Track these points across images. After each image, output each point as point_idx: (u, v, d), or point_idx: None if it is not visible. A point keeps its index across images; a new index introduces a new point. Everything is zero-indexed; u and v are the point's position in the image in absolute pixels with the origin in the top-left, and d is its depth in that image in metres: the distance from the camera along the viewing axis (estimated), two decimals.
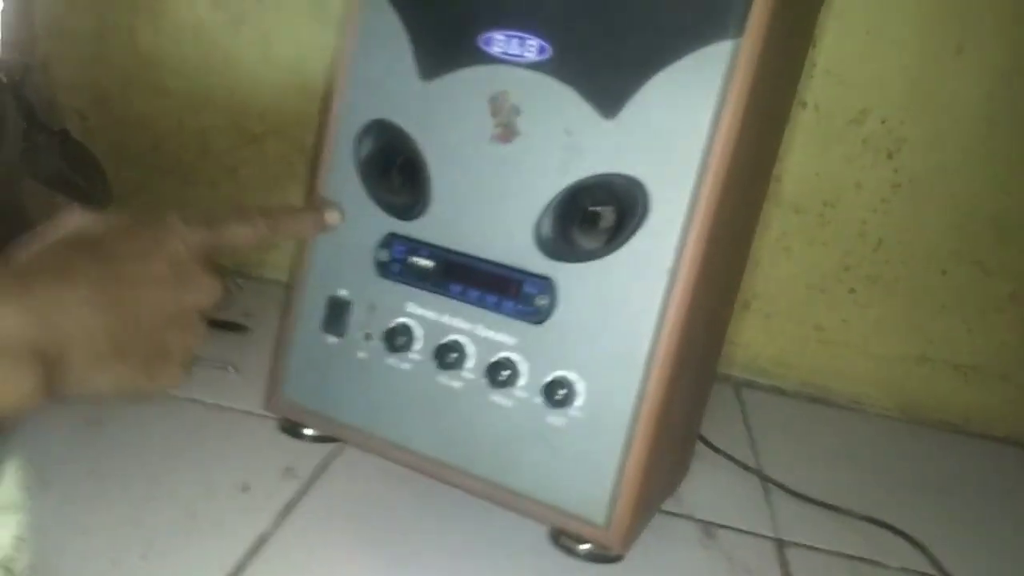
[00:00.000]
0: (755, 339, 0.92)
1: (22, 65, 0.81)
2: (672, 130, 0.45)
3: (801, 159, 0.84)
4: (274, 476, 0.61)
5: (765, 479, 0.71)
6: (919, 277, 0.86)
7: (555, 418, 0.49)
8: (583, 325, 0.48)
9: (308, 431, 0.58)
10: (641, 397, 0.47)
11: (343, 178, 0.54)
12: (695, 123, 0.44)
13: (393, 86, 0.52)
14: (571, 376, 0.48)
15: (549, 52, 0.47)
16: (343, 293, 0.55)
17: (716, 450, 0.73)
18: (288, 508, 0.58)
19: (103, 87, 0.96)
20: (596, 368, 0.48)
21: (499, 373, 0.49)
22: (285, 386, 0.57)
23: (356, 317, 0.54)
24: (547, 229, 0.48)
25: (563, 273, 0.48)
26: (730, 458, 0.73)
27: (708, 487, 0.69)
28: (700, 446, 0.72)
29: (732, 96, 0.43)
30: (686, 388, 0.53)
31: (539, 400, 0.49)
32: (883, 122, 0.82)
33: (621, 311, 0.47)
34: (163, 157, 0.97)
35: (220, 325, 0.84)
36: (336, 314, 0.55)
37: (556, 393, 0.48)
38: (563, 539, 0.52)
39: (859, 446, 0.85)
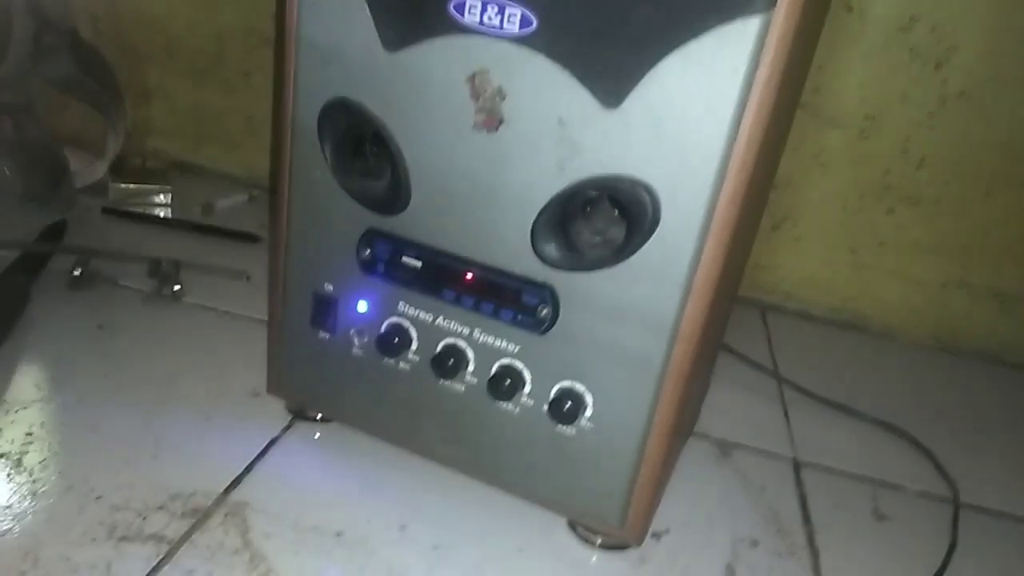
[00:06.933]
0: (784, 261, 0.89)
1: None
2: (687, 124, 0.38)
3: (842, 68, 0.79)
4: None
5: (783, 381, 0.71)
6: (962, 198, 0.82)
7: (564, 428, 0.46)
8: (589, 336, 0.44)
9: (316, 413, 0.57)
10: (653, 408, 0.44)
11: (309, 166, 0.48)
12: (715, 117, 0.37)
13: (353, 56, 0.44)
14: (578, 388, 0.45)
15: (534, 24, 0.39)
16: (329, 289, 0.50)
17: (735, 354, 0.73)
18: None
19: None
20: (605, 380, 0.44)
21: (502, 382, 0.46)
22: (284, 374, 0.54)
23: (345, 314, 0.50)
24: (545, 234, 0.43)
25: (565, 281, 0.43)
26: (750, 362, 0.71)
27: (726, 404, 0.68)
28: (719, 364, 0.71)
29: (760, 83, 0.36)
30: (703, 356, 0.49)
31: (546, 409, 0.46)
32: (933, 30, 0.76)
33: (631, 323, 0.42)
34: (176, 61, 0.95)
35: (234, 235, 0.83)
36: (324, 310, 0.50)
37: (564, 405, 0.45)
38: (580, 528, 0.51)
39: (888, 373, 0.82)
